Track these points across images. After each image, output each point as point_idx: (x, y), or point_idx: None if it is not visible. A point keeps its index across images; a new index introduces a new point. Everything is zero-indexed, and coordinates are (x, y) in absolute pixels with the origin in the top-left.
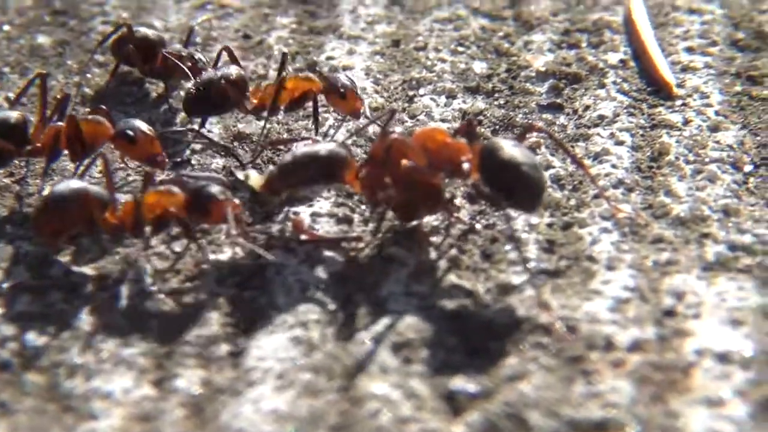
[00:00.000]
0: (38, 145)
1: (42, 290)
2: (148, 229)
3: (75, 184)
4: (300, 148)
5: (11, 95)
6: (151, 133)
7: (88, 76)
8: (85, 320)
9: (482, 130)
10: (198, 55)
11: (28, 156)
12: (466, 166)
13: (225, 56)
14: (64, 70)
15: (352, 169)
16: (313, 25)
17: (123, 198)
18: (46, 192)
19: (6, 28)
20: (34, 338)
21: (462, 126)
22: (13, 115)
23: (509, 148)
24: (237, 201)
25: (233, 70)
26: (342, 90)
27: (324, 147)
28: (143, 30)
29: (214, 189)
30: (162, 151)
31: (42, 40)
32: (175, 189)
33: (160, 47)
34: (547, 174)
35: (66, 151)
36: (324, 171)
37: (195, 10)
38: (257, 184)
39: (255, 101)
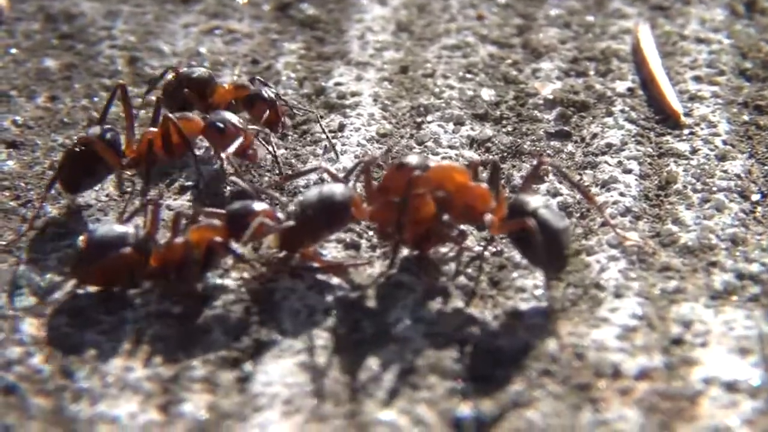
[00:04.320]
0: (134, 156)
1: (47, 314)
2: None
3: (118, 228)
4: (304, 202)
5: (18, 118)
6: (241, 126)
7: (95, 99)
8: (91, 344)
9: (489, 156)
10: (268, 92)
11: (128, 168)
12: (488, 218)
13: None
14: (72, 94)
15: (358, 204)
16: (321, 51)
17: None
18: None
19: (13, 51)
20: (39, 362)
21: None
22: (108, 130)
23: (551, 216)
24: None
25: None
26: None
27: (326, 197)
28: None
29: (249, 204)
30: (252, 144)
31: (49, 63)
32: (215, 221)
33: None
34: (554, 201)
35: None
36: (334, 221)
37: (203, 35)
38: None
39: None
